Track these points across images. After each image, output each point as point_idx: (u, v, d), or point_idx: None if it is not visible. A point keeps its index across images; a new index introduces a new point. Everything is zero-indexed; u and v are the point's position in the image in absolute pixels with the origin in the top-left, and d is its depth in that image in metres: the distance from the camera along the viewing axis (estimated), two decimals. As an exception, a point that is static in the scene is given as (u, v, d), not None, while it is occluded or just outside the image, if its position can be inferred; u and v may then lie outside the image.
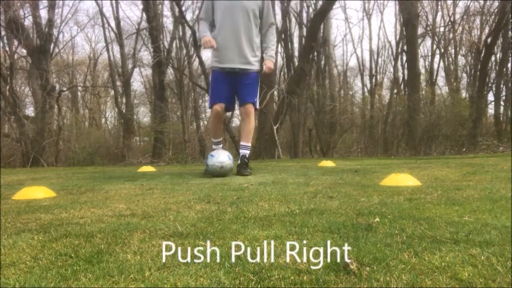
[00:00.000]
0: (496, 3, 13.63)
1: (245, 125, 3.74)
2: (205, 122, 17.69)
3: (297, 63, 11.64)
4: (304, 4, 15.52)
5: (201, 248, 1.15)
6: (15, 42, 11.50)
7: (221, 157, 3.42)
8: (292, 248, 1.14)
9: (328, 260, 1.02)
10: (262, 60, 3.73)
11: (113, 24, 15.97)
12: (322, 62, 16.16)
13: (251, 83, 3.65)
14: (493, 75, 15.10)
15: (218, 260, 1.04)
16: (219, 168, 3.40)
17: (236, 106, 3.93)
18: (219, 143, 3.91)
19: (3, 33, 11.01)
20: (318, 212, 1.65)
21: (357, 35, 47.13)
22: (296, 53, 14.57)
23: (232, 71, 3.58)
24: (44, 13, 12.50)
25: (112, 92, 18.92)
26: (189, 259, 1.05)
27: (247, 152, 3.73)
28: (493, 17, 14.16)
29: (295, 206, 1.82)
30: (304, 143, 13.57)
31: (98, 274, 0.97)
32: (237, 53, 3.54)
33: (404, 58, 15.39)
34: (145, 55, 18.56)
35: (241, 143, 3.77)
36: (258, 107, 3.82)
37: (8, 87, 10.83)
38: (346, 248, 1.03)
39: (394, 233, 1.27)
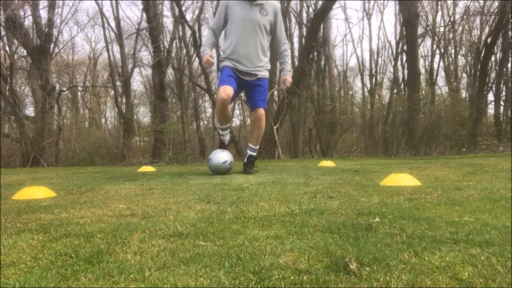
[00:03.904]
0: (496, 3, 13.63)
1: (255, 129, 3.88)
2: (205, 122, 17.71)
3: (296, 63, 11.63)
4: (304, 4, 15.55)
5: (201, 248, 1.15)
6: (15, 42, 11.50)
7: (220, 156, 3.67)
8: (292, 248, 1.14)
9: (328, 260, 1.02)
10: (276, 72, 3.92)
11: (113, 24, 15.98)
12: (322, 62, 16.17)
13: (262, 89, 3.78)
14: (493, 75, 15.10)
15: (218, 260, 1.04)
16: (220, 164, 3.67)
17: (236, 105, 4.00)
18: (226, 129, 3.99)
19: (3, 33, 11.01)
20: (318, 212, 1.65)
21: (357, 35, 47.17)
22: (296, 53, 14.59)
23: (244, 73, 3.68)
24: (43, 13, 12.50)
25: (112, 92, 18.93)
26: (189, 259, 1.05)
27: (254, 154, 3.92)
28: (493, 17, 14.16)
29: (295, 206, 1.82)
30: (304, 143, 13.56)
31: (98, 274, 0.97)
32: (247, 66, 3.67)
33: (404, 58, 15.40)
34: (145, 55, 18.59)
35: (250, 145, 3.95)
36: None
37: (8, 87, 10.83)
38: (346, 248, 1.03)
39: (394, 233, 1.27)
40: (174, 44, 15.72)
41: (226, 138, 4.04)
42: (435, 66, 17.75)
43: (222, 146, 4.03)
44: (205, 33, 3.98)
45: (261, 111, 3.77)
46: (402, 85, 16.06)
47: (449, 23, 16.83)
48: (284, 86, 3.90)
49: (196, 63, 15.95)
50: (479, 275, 0.91)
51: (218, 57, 4.04)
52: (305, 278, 0.91)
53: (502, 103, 15.29)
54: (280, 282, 0.89)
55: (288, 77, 3.83)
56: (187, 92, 16.33)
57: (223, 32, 3.82)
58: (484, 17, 15.52)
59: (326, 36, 15.89)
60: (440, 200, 1.89)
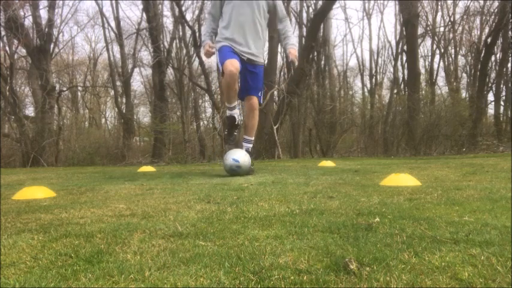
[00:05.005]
0: (496, 3, 13.63)
1: (249, 120, 3.79)
2: (205, 122, 17.71)
3: (297, 63, 11.62)
4: (304, 4, 15.55)
5: (201, 248, 1.15)
6: (15, 42, 11.49)
7: (238, 156, 3.45)
8: (292, 248, 1.14)
9: (328, 260, 1.02)
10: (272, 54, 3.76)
11: (113, 24, 15.99)
12: (322, 62, 16.16)
13: (257, 76, 3.70)
14: (493, 75, 15.10)
15: (218, 260, 1.04)
16: (236, 167, 3.45)
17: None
18: (234, 107, 3.69)
19: (3, 33, 11.01)
20: (318, 212, 1.65)
21: (357, 35, 47.19)
22: (296, 53, 14.53)
23: (241, 58, 3.59)
24: (43, 13, 12.51)
25: (112, 92, 18.93)
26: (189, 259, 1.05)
27: (249, 146, 3.82)
28: (493, 17, 14.16)
29: (295, 206, 1.82)
30: (304, 143, 13.56)
31: (98, 274, 0.97)
32: (245, 46, 3.57)
33: (404, 58, 15.40)
34: (145, 55, 18.60)
35: (245, 137, 3.84)
36: (261, 101, 3.90)
37: (8, 87, 10.83)
38: (346, 248, 1.03)
39: (394, 233, 1.27)
40: (174, 44, 15.74)
41: (236, 115, 3.76)
42: (435, 66, 17.78)
43: (232, 125, 3.76)
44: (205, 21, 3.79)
45: (255, 100, 3.70)
46: (402, 85, 16.07)
47: (449, 23, 16.84)
48: (291, 61, 3.77)
49: (196, 63, 15.96)
50: (479, 275, 0.91)
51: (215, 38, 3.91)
52: (305, 278, 0.91)
53: (502, 103, 15.31)
54: (280, 282, 0.89)
55: (293, 50, 3.71)
56: (187, 92, 16.34)
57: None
58: (484, 17, 15.53)
59: (326, 36, 15.89)
60: (440, 200, 1.89)
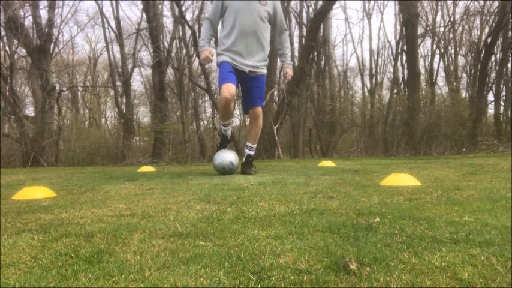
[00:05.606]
0: (496, 3, 13.63)
1: (253, 127, 3.84)
2: (205, 122, 17.72)
3: (296, 63, 11.63)
4: (304, 4, 15.56)
5: (201, 248, 1.15)
6: (15, 42, 11.49)
7: (226, 159, 3.65)
8: (292, 248, 1.14)
9: (328, 260, 1.02)
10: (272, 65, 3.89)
11: (113, 24, 16.00)
12: (322, 62, 16.16)
13: (260, 86, 3.74)
14: (493, 75, 15.10)
15: (218, 260, 1.04)
16: (222, 168, 3.66)
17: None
18: (228, 124, 3.91)
19: (3, 33, 11.01)
20: (318, 212, 1.65)
21: (357, 35, 47.22)
22: (296, 53, 14.59)
23: (242, 70, 3.60)
24: (43, 13, 12.52)
25: (112, 92, 18.94)
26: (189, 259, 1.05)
27: (252, 153, 3.87)
28: (493, 17, 14.16)
29: (295, 206, 1.82)
30: (304, 143, 13.56)
31: (98, 274, 0.97)
32: (247, 57, 3.57)
33: (404, 58, 15.41)
34: (145, 55, 18.61)
35: (248, 144, 3.90)
36: (263, 105, 3.98)
37: (8, 87, 10.82)
38: (346, 248, 1.03)
39: (394, 233, 1.27)
40: (174, 44, 15.74)
41: (229, 133, 3.98)
42: (435, 66, 17.79)
43: (225, 140, 3.97)
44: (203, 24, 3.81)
45: (259, 110, 3.75)
46: (402, 85, 16.07)
47: (449, 23, 16.85)
48: (285, 79, 3.90)
49: (196, 63, 15.97)
50: (479, 275, 0.91)
51: (216, 48, 3.95)
52: (305, 278, 0.91)
53: (502, 103, 15.32)
54: (280, 282, 0.89)
55: (289, 70, 3.80)
56: (187, 92, 16.34)
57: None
58: (484, 17, 15.53)
59: (326, 36, 15.89)
60: (440, 200, 1.89)
